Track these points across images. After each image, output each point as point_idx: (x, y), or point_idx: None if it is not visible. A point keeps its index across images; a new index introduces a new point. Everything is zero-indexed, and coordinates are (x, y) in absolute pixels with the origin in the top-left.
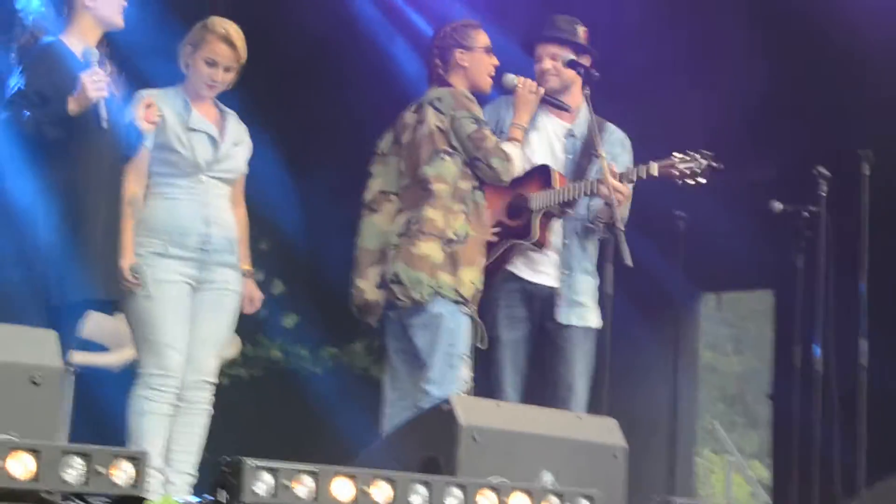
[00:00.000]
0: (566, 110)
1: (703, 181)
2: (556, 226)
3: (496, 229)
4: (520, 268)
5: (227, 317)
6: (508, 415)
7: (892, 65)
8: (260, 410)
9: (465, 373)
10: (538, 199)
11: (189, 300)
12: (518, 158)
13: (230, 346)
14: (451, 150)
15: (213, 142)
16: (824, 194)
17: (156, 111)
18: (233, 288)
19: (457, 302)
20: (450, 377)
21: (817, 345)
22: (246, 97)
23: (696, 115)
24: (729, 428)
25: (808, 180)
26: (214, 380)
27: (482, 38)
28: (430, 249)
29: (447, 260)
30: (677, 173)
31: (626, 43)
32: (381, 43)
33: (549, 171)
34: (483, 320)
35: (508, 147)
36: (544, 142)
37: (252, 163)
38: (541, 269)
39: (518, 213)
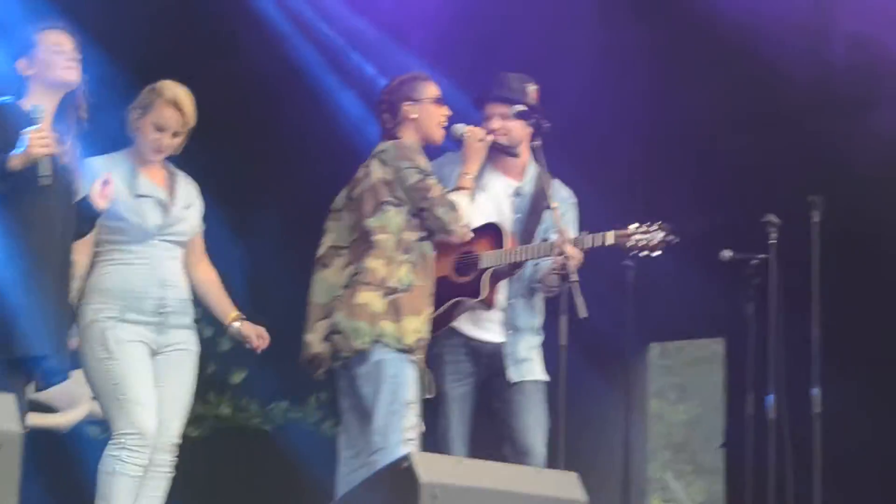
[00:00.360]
0: (514, 156)
1: (657, 255)
2: (502, 285)
3: (441, 285)
4: (464, 324)
5: (190, 377)
6: (469, 471)
7: (843, 110)
8: (211, 469)
9: (411, 421)
10: (489, 258)
11: (150, 362)
12: (467, 208)
13: None
14: (396, 202)
15: (163, 206)
16: (774, 242)
17: (113, 188)
18: (191, 348)
19: (399, 350)
20: (393, 426)
21: (770, 393)
22: (191, 148)
23: (643, 164)
24: (676, 477)
25: (757, 228)
26: (179, 441)
27: (431, 90)
28: (369, 298)
29: (389, 308)
30: (631, 245)
31: (568, 93)
32: (330, 95)
33: (500, 231)
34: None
35: (456, 196)
36: (491, 201)
37: None
38: (485, 326)
39: (466, 269)
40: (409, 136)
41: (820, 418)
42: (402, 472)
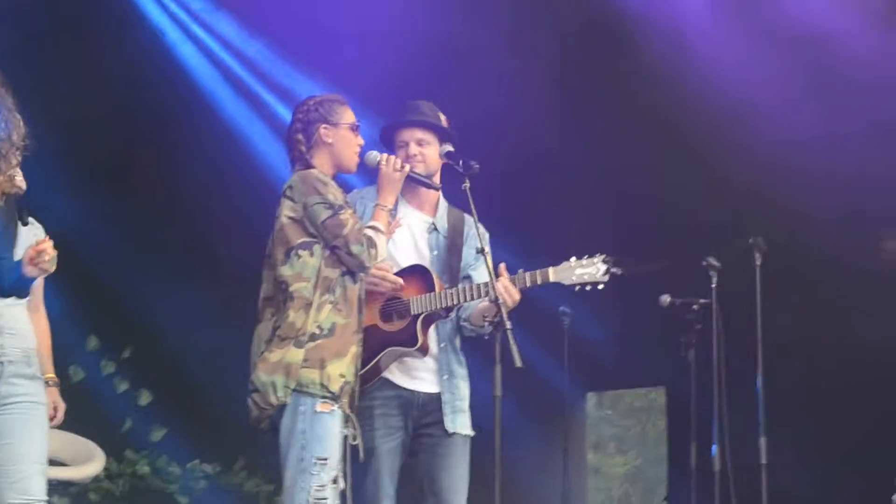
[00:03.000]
0: (435, 188)
1: (601, 287)
2: (432, 329)
3: (369, 333)
4: (395, 374)
5: (41, 431)
6: None
7: (783, 152)
8: None
9: (323, 479)
10: (420, 303)
11: None
12: (383, 243)
13: (94, 462)
14: (308, 242)
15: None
16: (714, 286)
17: (49, 258)
18: (38, 400)
19: (324, 398)
20: (301, 485)
21: (714, 443)
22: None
23: (576, 208)
24: None
25: (697, 272)
26: (44, 499)
27: (348, 115)
28: (284, 353)
29: (311, 356)
30: (574, 280)
31: (496, 131)
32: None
33: (428, 273)
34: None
35: (372, 232)
36: (407, 237)
37: (112, 262)
38: (417, 375)
39: (395, 316)
40: (322, 163)
41: (766, 469)
42: None
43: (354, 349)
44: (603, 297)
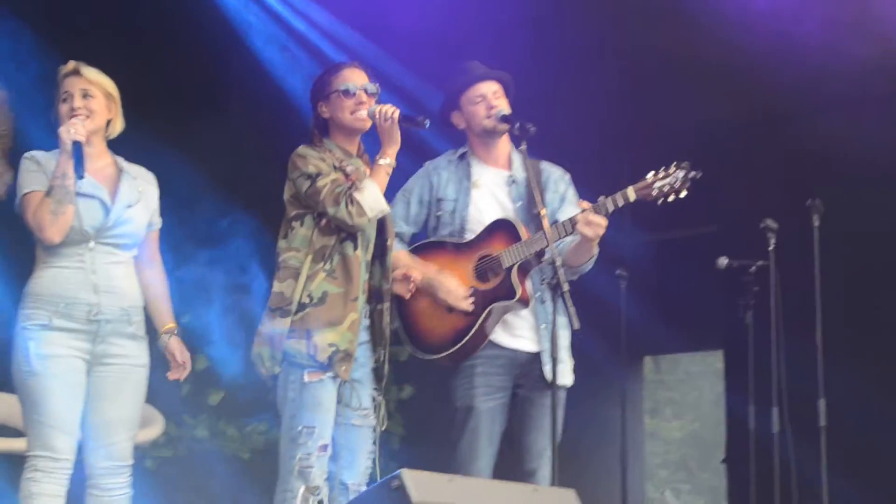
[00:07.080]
0: (422, 125)
1: (684, 195)
2: (528, 280)
3: (471, 297)
4: (497, 333)
5: (135, 394)
6: (462, 490)
7: (840, 114)
8: (186, 495)
9: (309, 448)
10: (511, 254)
11: (83, 376)
12: (373, 196)
13: (154, 426)
14: (301, 213)
15: (105, 207)
16: (773, 247)
17: None
18: (136, 362)
19: (311, 368)
20: (289, 454)
21: (773, 405)
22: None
23: (632, 167)
24: (674, 496)
25: (755, 234)
26: (130, 462)
27: (337, 81)
28: (273, 325)
29: (297, 326)
30: (655, 193)
31: (551, 96)
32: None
33: (512, 224)
34: (459, 388)
35: (363, 186)
36: (487, 196)
37: (171, 228)
38: (518, 334)
39: (489, 273)
40: (335, 134)
41: (825, 431)
42: (393, 492)
43: (354, 316)
44: (660, 258)
